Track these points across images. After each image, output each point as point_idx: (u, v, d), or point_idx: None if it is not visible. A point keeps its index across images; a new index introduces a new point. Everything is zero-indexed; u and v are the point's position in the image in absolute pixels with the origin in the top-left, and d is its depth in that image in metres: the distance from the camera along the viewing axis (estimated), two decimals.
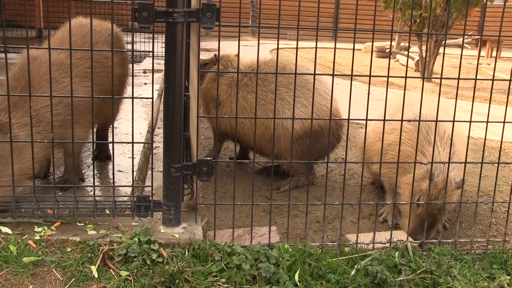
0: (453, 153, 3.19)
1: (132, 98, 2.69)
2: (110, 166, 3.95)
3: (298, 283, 2.50)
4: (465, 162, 2.96)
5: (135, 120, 4.89)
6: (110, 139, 4.04)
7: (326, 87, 4.16)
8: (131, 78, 3.94)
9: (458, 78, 2.81)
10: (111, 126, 3.92)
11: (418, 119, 2.96)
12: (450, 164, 3.01)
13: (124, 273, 2.46)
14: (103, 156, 4.04)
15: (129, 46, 5.03)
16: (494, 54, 16.23)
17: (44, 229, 2.71)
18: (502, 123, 2.95)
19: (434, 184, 3.07)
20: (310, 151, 3.08)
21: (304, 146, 3.97)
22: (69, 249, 2.59)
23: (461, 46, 2.90)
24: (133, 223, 2.85)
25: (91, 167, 3.82)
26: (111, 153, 3.87)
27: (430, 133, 3.32)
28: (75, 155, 3.32)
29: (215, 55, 4.48)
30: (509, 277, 2.69)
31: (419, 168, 3.16)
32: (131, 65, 3.87)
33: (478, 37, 19.18)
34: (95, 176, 3.71)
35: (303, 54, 14.15)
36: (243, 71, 4.15)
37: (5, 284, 2.37)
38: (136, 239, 2.61)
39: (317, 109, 3.98)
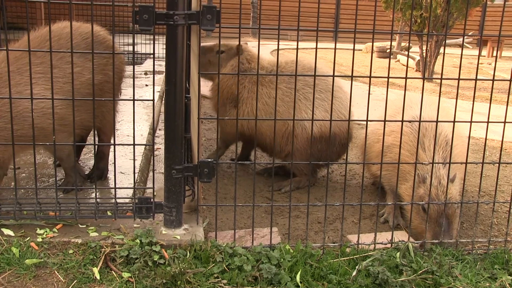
0: (448, 156, 3.18)
1: (133, 100, 2.69)
2: (112, 168, 3.95)
3: (300, 284, 2.51)
4: (466, 163, 2.96)
5: (136, 122, 4.89)
6: (109, 149, 3.89)
7: (347, 96, 4.14)
8: (118, 83, 3.70)
9: (459, 79, 2.81)
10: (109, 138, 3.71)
11: (416, 121, 2.96)
12: (441, 164, 3.01)
13: (126, 275, 2.47)
14: (97, 174, 3.55)
15: (130, 48, 4.98)
16: (495, 53, 16.19)
17: (46, 231, 2.72)
18: (503, 123, 2.95)
19: (427, 186, 3.08)
20: (310, 151, 3.09)
21: (315, 150, 3.97)
22: (71, 251, 2.60)
23: (461, 46, 2.90)
24: (135, 225, 2.86)
25: (93, 169, 3.82)
26: (108, 167, 3.75)
27: (424, 136, 3.31)
28: (65, 157, 3.22)
29: (237, 46, 4.14)
30: (510, 277, 2.69)
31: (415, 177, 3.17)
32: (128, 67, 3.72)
33: (479, 37, 19.17)
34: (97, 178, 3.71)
35: (304, 55, 14.16)
36: (262, 73, 4.08)
37: (7, 286, 2.38)
38: (137, 240, 2.62)
39: (336, 116, 4.01)
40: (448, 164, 3.05)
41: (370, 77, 2.71)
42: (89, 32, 3.28)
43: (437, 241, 2.97)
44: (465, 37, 3.22)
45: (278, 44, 2.73)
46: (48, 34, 3.12)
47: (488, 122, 2.88)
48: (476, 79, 2.86)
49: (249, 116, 4.07)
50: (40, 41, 3.11)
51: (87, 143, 3.93)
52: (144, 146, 4.26)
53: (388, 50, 14.98)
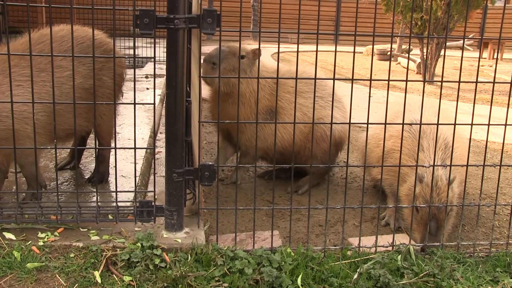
0: (447, 158, 3.17)
1: (134, 103, 2.70)
2: (113, 171, 3.95)
3: (301, 287, 2.51)
4: (467, 165, 2.96)
5: (137, 125, 4.90)
6: (108, 150, 3.80)
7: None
8: (114, 90, 3.53)
9: (459, 81, 2.82)
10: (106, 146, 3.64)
11: (416, 125, 2.95)
12: (440, 166, 3.01)
13: (127, 278, 2.47)
14: (97, 177, 3.54)
15: (131, 52, 4.96)
16: (496, 55, 16.21)
17: (47, 235, 2.72)
18: (504, 126, 2.95)
19: (424, 186, 3.07)
20: (311, 155, 3.09)
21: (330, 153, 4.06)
22: (72, 255, 2.60)
23: (462, 49, 2.90)
24: (136, 228, 2.86)
25: (93, 172, 3.82)
26: (109, 171, 3.73)
27: (423, 138, 3.31)
28: (27, 165, 3.06)
29: (253, 50, 3.97)
30: None
31: (412, 177, 3.16)
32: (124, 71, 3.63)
33: (479, 39, 19.20)
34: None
35: (304, 58, 14.17)
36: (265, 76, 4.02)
37: None
38: (139, 244, 2.62)
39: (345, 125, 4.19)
40: (446, 166, 3.04)
41: (370, 80, 2.71)
42: (85, 36, 3.26)
43: (438, 243, 2.96)
44: (466, 39, 3.23)
45: (278, 47, 2.74)
46: (39, 37, 3.10)
47: (489, 124, 2.88)
48: (476, 82, 2.86)
49: (289, 127, 3.96)
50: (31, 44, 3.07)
51: (87, 146, 3.93)
52: (145, 149, 4.27)
53: (389, 53, 15.02)
